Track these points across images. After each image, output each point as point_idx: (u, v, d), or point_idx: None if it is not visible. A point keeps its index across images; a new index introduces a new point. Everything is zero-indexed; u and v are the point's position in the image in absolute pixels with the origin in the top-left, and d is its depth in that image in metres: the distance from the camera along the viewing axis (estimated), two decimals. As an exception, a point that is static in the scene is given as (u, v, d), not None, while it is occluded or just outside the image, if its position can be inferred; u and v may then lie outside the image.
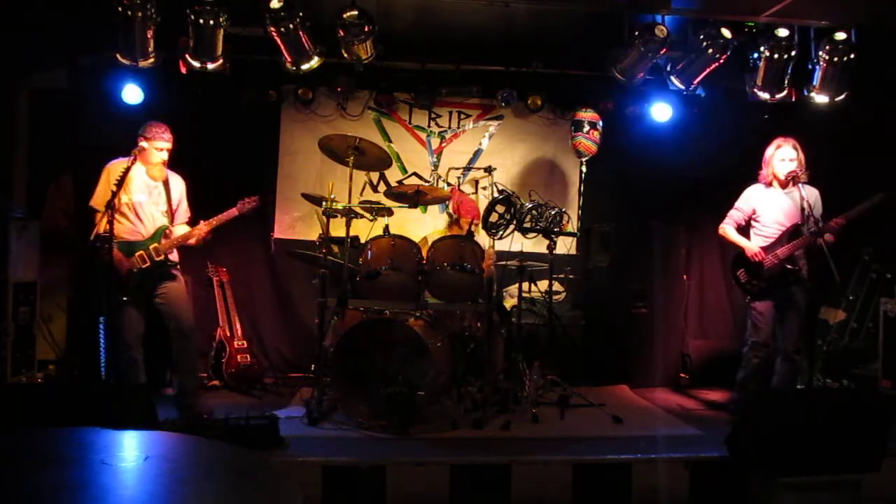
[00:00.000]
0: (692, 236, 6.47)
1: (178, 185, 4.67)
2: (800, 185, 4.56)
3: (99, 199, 4.38)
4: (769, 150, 4.78)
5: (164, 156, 4.48)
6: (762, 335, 4.71)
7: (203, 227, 4.53)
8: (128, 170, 4.22)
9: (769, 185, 4.79)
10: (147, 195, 4.48)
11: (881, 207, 4.45)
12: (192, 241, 4.54)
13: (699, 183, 6.33)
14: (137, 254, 4.38)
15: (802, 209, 4.54)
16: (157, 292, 4.46)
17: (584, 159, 6.24)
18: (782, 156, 4.69)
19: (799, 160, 4.66)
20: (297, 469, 3.61)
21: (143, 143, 4.37)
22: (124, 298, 4.36)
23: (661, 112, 6.06)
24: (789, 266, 4.63)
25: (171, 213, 4.56)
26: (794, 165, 4.65)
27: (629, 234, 6.13)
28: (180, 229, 4.60)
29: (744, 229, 4.89)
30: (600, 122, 6.04)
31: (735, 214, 4.89)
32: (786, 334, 4.70)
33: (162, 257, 4.44)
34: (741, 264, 4.80)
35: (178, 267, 4.60)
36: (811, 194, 4.66)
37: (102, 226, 4.12)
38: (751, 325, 4.78)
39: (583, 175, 6.42)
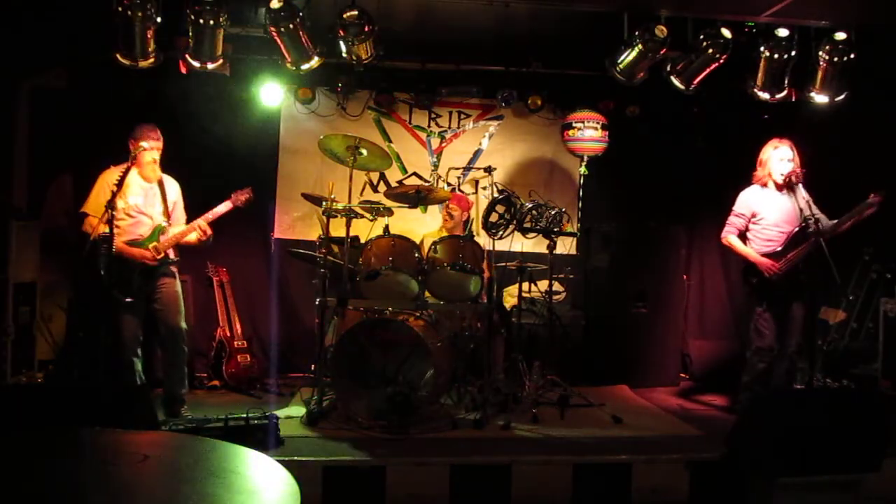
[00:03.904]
0: (692, 236, 6.47)
1: (172, 188, 4.68)
2: (799, 185, 4.57)
3: (92, 205, 4.38)
4: (767, 151, 4.76)
5: (155, 155, 4.46)
6: (767, 340, 4.68)
7: (200, 221, 4.53)
8: (126, 173, 4.22)
9: (765, 185, 4.77)
10: (143, 197, 4.49)
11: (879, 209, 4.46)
12: (193, 238, 4.55)
13: (699, 183, 6.33)
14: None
15: (801, 209, 4.54)
16: (153, 295, 4.49)
17: (584, 159, 6.22)
18: (781, 156, 4.68)
19: (795, 160, 4.66)
20: (297, 469, 3.58)
21: (133, 145, 4.36)
22: (127, 300, 4.37)
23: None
24: (799, 267, 4.61)
25: (167, 213, 4.56)
26: (792, 165, 4.64)
27: (629, 234, 6.13)
28: (178, 229, 4.61)
29: (742, 233, 4.86)
30: (594, 122, 6.02)
31: (737, 221, 4.79)
32: (788, 334, 4.69)
33: (162, 255, 4.46)
34: (756, 272, 4.71)
35: (176, 270, 4.61)
36: (806, 195, 4.65)
37: (102, 227, 4.12)
38: (757, 330, 4.73)
39: (582, 175, 6.42)
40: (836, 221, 4.57)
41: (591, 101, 6.10)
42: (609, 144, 6.07)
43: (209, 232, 4.58)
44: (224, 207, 4.63)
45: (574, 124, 6.04)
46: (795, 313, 4.69)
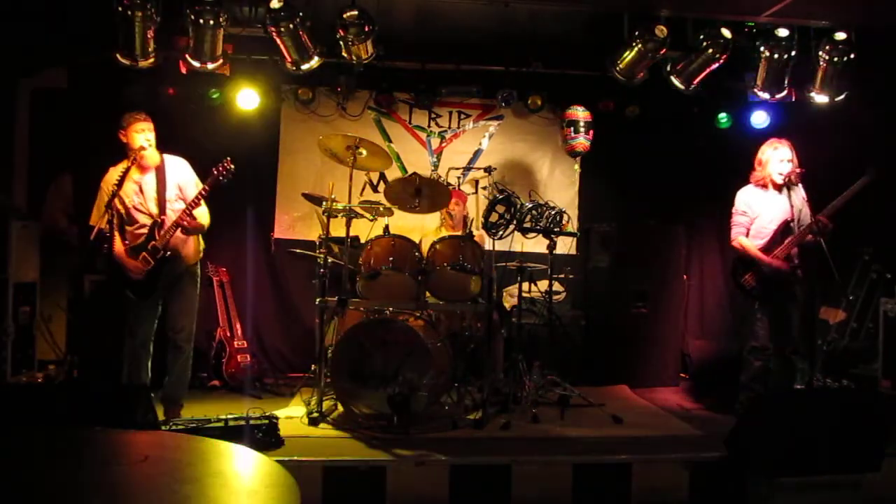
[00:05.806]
0: (692, 236, 6.47)
1: (177, 169, 4.49)
2: (798, 184, 4.58)
3: (96, 216, 4.31)
4: (767, 152, 4.74)
5: (148, 136, 4.32)
6: (763, 339, 4.68)
7: (183, 212, 4.33)
8: (127, 170, 4.19)
9: (765, 186, 4.75)
10: (139, 196, 4.39)
11: (870, 192, 4.43)
12: (185, 223, 4.33)
13: (699, 183, 6.33)
14: (140, 256, 4.35)
15: (792, 206, 4.55)
16: (168, 295, 4.44)
17: (577, 158, 6.23)
18: (781, 156, 4.67)
19: (793, 160, 4.66)
20: (297, 469, 3.59)
21: (123, 135, 4.29)
22: (137, 298, 4.35)
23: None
24: (793, 264, 4.61)
25: (161, 203, 4.38)
26: (791, 166, 4.64)
27: (629, 234, 6.13)
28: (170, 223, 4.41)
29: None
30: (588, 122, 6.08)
31: (742, 220, 4.75)
32: (784, 335, 4.69)
33: (163, 253, 4.33)
34: (746, 270, 4.74)
35: (196, 267, 4.56)
36: (804, 194, 4.65)
37: (102, 225, 4.10)
38: (752, 329, 4.74)
39: (579, 174, 6.42)
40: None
41: (591, 101, 6.11)
42: (592, 141, 6.07)
43: (192, 222, 4.35)
44: (207, 186, 4.34)
45: (563, 125, 6.10)
46: (790, 313, 4.69)
